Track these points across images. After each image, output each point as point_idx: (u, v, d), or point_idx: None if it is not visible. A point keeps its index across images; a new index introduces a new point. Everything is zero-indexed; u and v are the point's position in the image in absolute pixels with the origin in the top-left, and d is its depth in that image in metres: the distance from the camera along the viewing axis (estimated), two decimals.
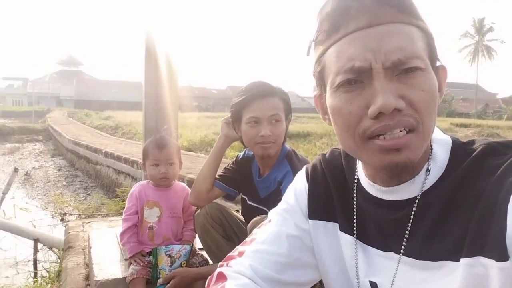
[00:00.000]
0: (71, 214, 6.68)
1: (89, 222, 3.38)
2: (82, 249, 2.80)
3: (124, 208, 2.21)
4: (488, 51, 58.06)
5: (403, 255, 0.76)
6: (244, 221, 1.98)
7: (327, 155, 0.96)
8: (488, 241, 0.64)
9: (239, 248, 0.94)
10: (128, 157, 8.92)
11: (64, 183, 10.95)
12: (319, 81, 0.79)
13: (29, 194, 9.40)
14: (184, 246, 2.06)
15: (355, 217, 0.86)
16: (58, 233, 4.87)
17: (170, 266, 1.99)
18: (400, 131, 0.68)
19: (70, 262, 2.58)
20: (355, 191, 0.86)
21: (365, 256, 0.84)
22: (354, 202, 0.86)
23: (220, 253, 1.91)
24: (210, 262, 2.10)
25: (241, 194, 2.00)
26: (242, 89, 1.76)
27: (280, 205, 0.98)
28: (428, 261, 0.72)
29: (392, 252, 0.78)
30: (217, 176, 1.98)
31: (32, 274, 3.82)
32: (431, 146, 0.77)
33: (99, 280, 2.04)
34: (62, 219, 6.58)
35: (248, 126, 1.71)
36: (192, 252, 2.11)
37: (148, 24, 2.66)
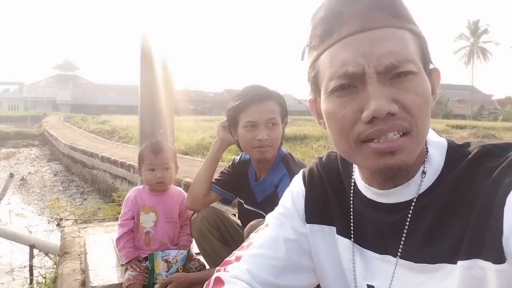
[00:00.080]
0: (67, 219, 6.65)
1: (85, 228, 3.36)
2: (78, 255, 2.78)
3: (120, 213, 2.20)
4: (483, 53, 58.45)
5: (400, 258, 0.76)
6: (241, 225, 1.97)
7: (323, 159, 0.97)
8: (485, 243, 0.64)
9: (236, 252, 0.94)
10: (125, 162, 8.90)
11: (60, 188, 10.90)
12: (313, 86, 0.80)
13: (25, 199, 9.36)
14: (181, 251, 2.05)
15: (352, 220, 0.86)
16: (54, 239, 4.85)
17: (167, 271, 1.98)
18: (394, 134, 0.68)
19: (66, 268, 2.56)
20: (351, 195, 0.86)
21: (363, 259, 0.84)
22: (351, 206, 0.86)
23: (217, 258, 1.91)
24: (207, 266, 2.09)
25: (237, 198, 2.00)
26: (239, 93, 1.76)
27: (277, 209, 0.98)
28: (425, 264, 0.72)
29: (389, 255, 0.78)
30: (213, 180, 1.97)
31: (28, 281, 3.80)
32: (426, 148, 0.77)
33: (95, 286, 2.03)
34: (58, 224, 6.54)
35: (245, 130, 1.71)
36: (189, 257, 2.10)
37: (144, 27, 2.66)
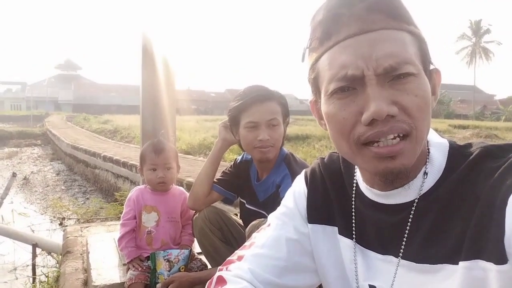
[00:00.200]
0: (69, 219, 6.66)
1: (87, 227, 3.37)
2: (81, 254, 2.78)
3: (122, 212, 2.20)
4: (485, 52, 58.22)
5: (402, 258, 0.76)
6: (242, 224, 1.97)
7: (325, 159, 0.97)
8: (487, 244, 0.64)
9: (238, 252, 0.94)
10: (127, 161, 8.92)
11: (63, 187, 10.93)
12: (314, 87, 0.80)
13: (27, 198, 9.38)
14: (183, 250, 2.05)
15: (353, 221, 0.86)
16: (56, 238, 4.85)
17: (169, 270, 1.98)
18: (394, 137, 0.68)
19: (68, 267, 2.56)
20: (353, 195, 0.87)
21: (364, 259, 0.84)
22: (353, 206, 0.86)
23: (218, 257, 1.91)
24: (209, 266, 2.09)
25: (239, 197, 2.00)
26: (240, 93, 1.76)
27: (279, 209, 0.98)
28: (426, 265, 0.72)
29: (391, 256, 0.78)
30: (215, 180, 1.98)
31: (31, 279, 3.81)
32: (428, 149, 0.77)
33: (97, 285, 2.03)
34: (60, 224, 6.56)
35: (246, 131, 1.71)
36: (191, 257, 2.10)
37: (145, 28, 2.66)
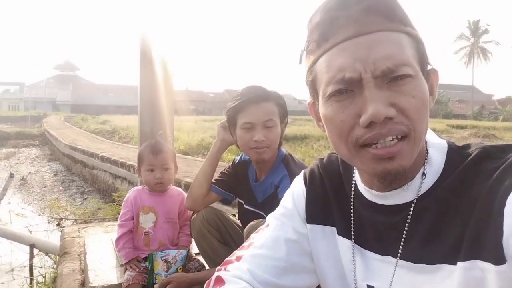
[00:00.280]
0: (67, 219, 6.65)
1: (85, 228, 3.36)
2: (78, 255, 2.78)
3: (120, 212, 2.20)
4: (484, 52, 58.40)
5: (400, 259, 0.76)
6: (240, 225, 1.97)
7: (324, 160, 0.97)
8: (485, 244, 0.64)
9: (237, 252, 0.94)
10: (125, 162, 8.91)
11: (61, 188, 10.91)
12: (311, 89, 0.80)
13: (25, 199, 9.36)
14: (180, 251, 2.04)
15: (352, 221, 0.86)
16: (54, 238, 4.85)
17: (166, 271, 1.97)
18: (392, 139, 0.68)
19: (65, 268, 2.56)
20: (352, 196, 0.87)
21: (363, 260, 0.84)
22: (352, 207, 0.87)
23: (216, 258, 1.91)
24: (207, 267, 2.09)
25: (237, 198, 1.99)
26: (237, 93, 1.76)
27: (278, 210, 0.98)
28: (425, 265, 0.72)
29: (390, 256, 0.79)
30: (213, 181, 1.97)
31: (28, 280, 3.80)
32: (427, 150, 0.77)
33: (95, 287, 2.03)
34: (58, 224, 6.54)
35: (243, 131, 1.71)
36: (189, 257, 2.10)
37: (144, 29, 2.65)
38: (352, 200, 0.87)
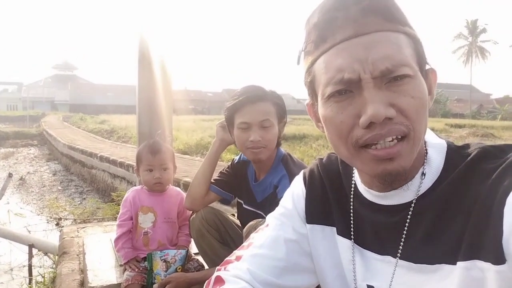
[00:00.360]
0: (66, 219, 6.64)
1: (83, 227, 3.35)
2: (77, 255, 2.78)
3: (119, 212, 2.19)
4: (482, 52, 58.46)
5: (400, 258, 0.76)
6: (240, 225, 1.97)
7: (324, 160, 0.97)
8: (485, 244, 0.64)
9: (236, 252, 0.94)
10: (124, 161, 8.91)
11: (59, 188, 10.90)
12: (310, 90, 0.80)
13: (23, 199, 9.36)
14: (180, 251, 2.04)
15: (352, 221, 0.86)
16: (53, 238, 4.84)
17: (166, 271, 1.97)
18: (392, 139, 0.68)
19: (64, 268, 2.56)
20: (352, 196, 0.87)
21: (363, 260, 0.84)
22: (351, 207, 0.86)
23: (216, 258, 1.90)
24: (206, 266, 2.08)
25: (237, 198, 1.99)
26: (235, 93, 1.76)
27: (278, 210, 0.98)
28: (424, 265, 0.72)
29: (389, 256, 0.79)
30: (212, 180, 1.97)
31: (27, 280, 3.79)
32: (426, 150, 0.77)
33: (94, 287, 2.02)
34: (57, 224, 6.53)
35: (239, 131, 1.71)
36: (188, 257, 2.09)
37: (142, 28, 2.65)
38: (351, 200, 0.86)
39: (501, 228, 0.61)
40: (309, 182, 0.95)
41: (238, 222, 2.00)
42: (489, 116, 44.76)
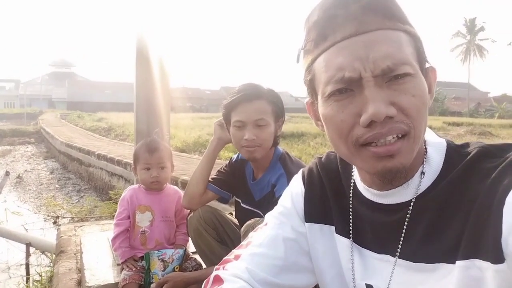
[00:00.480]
0: (63, 217, 6.64)
1: (81, 226, 3.34)
2: (74, 254, 2.77)
3: (116, 211, 2.19)
4: (480, 50, 58.58)
5: (399, 257, 0.76)
6: (238, 224, 1.96)
7: (323, 159, 0.97)
8: (484, 243, 0.64)
9: (235, 251, 0.94)
10: (121, 159, 8.90)
11: (57, 186, 10.89)
12: (310, 89, 0.80)
13: (21, 197, 9.34)
14: (177, 250, 2.04)
15: (351, 220, 0.86)
16: (50, 237, 4.83)
17: (163, 270, 1.97)
18: (392, 138, 0.68)
19: (62, 267, 2.55)
20: (351, 195, 0.87)
21: (361, 259, 0.84)
22: (350, 205, 0.86)
23: (213, 257, 1.90)
24: (204, 266, 2.08)
25: (234, 197, 1.99)
26: (233, 91, 1.75)
27: (277, 208, 0.98)
28: (423, 264, 0.72)
29: (388, 255, 0.79)
30: (210, 179, 1.96)
31: (24, 279, 3.78)
32: (426, 149, 0.77)
33: (91, 286, 2.02)
34: (54, 222, 6.53)
35: (235, 129, 1.71)
36: (185, 256, 2.09)
37: (139, 26, 2.64)
38: (350, 199, 0.86)
39: (500, 227, 0.61)
40: (308, 181, 0.95)
41: (236, 221, 2.00)
42: (486, 114, 44.91)
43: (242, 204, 1.90)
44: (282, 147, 1.86)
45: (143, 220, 2.12)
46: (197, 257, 2.13)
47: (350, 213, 0.86)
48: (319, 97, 0.76)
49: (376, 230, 0.81)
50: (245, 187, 1.88)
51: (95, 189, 10.32)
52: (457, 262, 0.67)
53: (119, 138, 16.60)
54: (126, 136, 16.25)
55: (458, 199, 0.70)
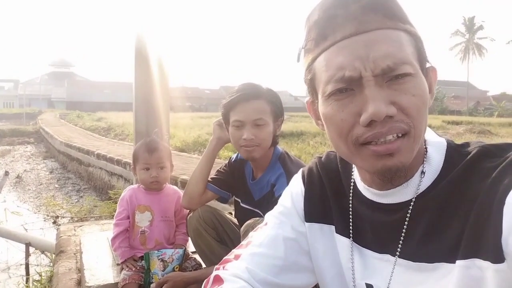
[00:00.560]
0: (63, 217, 6.64)
1: (80, 226, 3.34)
2: (74, 254, 2.76)
3: (116, 211, 2.18)
4: (479, 49, 58.56)
5: (399, 257, 0.76)
6: (237, 223, 1.96)
7: (323, 159, 0.97)
8: (484, 243, 0.64)
9: (235, 251, 0.94)
10: (121, 159, 8.90)
11: (56, 186, 10.89)
12: (310, 88, 0.80)
13: (20, 197, 9.34)
14: (177, 250, 2.04)
15: (351, 219, 0.86)
16: (50, 237, 4.83)
17: (163, 270, 1.97)
18: (392, 137, 0.68)
19: (61, 267, 2.54)
20: (351, 194, 0.87)
21: (361, 258, 0.84)
22: (350, 205, 0.86)
23: (213, 257, 1.90)
24: (204, 265, 2.08)
25: (234, 196, 1.99)
26: (232, 91, 1.75)
27: (277, 208, 0.98)
28: (423, 263, 0.72)
29: (388, 255, 0.79)
30: (209, 179, 1.96)
31: (24, 279, 3.78)
32: (426, 148, 0.77)
33: (91, 286, 2.01)
34: (54, 222, 6.53)
35: (233, 129, 1.71)
36: (185, 256, 2.09)
37: (138, 27, 2.64)
38: (350, 198, 0.86)
39: (500, 227, 0.61)
40: (308, 181, 0.95)
41: (235, 220, 2.00)
42: (486, 113, 44.93)
43: (241, 204, 1.90)
44: (281, 146, 1.86)
45: (142, 220, 2.11)
46: (197, 256, 2.13)
47: (350, 213, 0.86)
48: (320, 96, 0.76)
49: (376, 230, 0.81)
50: (244, 187, 1.88)
51: (95, 189, 10.32)
52: (457, 262, 0.67)
53: (118, 137, 16.60)
54: (126, 136, 16.25)
55: (458, 198, 0.70)
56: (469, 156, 0.72)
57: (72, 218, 6.32)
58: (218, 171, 2.00)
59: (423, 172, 0.75)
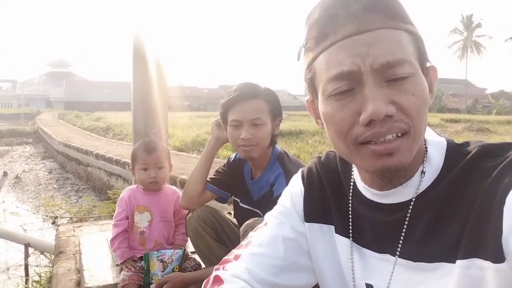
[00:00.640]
0: (62, 217, 6.62)
1: (80, 226, 3.33)
2: (73, 254, 2.76)
3: (115, 211, 2.18)
4: (477, 46, 58.66)
5: (399, 257, 0.76)
6: (237, 223, 1.96)
7: (322, 158, 0.97)
8: (484, 242, 0.63)
9: (235, 251, 0.94)
10: (120, 159, 8.89)
11: (55, 186, 10.88)
12: (310, 87, 0.79)
13: (19, 198, 9.32)
14: (176, 250, 2.04)
15: (350, 219, 0.86)
16: (49, 237, 4.82)
17: (163, 271, 1.96)
18: (392, 136, 0.68)
19: (61, 268, 2.54)
20: (350, 194, 0.87)
21: (361, 258, 0.84)
22: (350, 205, 0.86)
23: (213, 257, 1.90)
24: (203, 266, 2.08)
25: (233, 196, 1.98)
26: (230, 90, 1.75)
27: (276, 208, 0.98)
28: (423, 263, 0.72)
29: (388, 254, 0.79)
30: (208, 179, 1.96)
31: (24, 280, 3.78)
32: (426, 148, 0.77)
33: (90, 287, 2.01)
34: (53, 223, 6.52)
35: (231, 129, 1.71)
36: (185, 256, 2.09)
37: (136, 26, 2.63)
38: (350, 198, 0.86)
39: (500, 227, 0.61)
40: (307, 181, 0.95)
41: (234, 220, 2.00)
42: (484, 110, 44.96)
43: (240, 204, 1.90)
44: (280, 145, 1.86)
45: (141, 220, 2.11)
46: (196, 257, 2.13)
47: (350, 213, 0.86)
48: (320, 95, 0.75)
49: (376, 230, 0.81)
50: (243, 187, 1.88)
51: (94, 189, 10.31)
52: (457, 262, 0.67)
53: (117, 137, 16.58)
54: (124, 136, 16.22)
55: (458, 198, 0.69)
56: (469, 156, 0.72)
57: (71, 218, 6.31)
58: (217, 171, 2.00)
59: (423, 172, 0.75)
